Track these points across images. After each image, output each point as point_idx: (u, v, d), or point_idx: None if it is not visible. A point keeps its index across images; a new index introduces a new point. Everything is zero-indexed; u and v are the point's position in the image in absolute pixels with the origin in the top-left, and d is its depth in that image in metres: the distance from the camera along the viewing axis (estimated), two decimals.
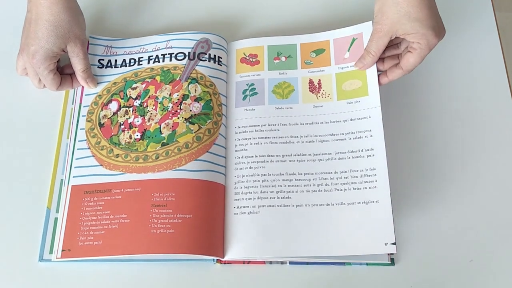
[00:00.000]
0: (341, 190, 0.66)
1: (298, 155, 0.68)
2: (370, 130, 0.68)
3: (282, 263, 0.65)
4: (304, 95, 0.72)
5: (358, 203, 0.64)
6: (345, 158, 0.67)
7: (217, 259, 0.65)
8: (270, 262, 0.65)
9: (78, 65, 0.72)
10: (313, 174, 0.67)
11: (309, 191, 0.66)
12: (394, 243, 0.61)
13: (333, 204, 0.65)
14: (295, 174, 0.67)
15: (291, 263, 0.65)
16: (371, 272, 0.65)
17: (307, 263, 0.65)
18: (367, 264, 0.65)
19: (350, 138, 0.68)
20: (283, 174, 0.67)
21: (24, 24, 0.71)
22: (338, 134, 0.69)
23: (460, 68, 0.78)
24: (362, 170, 0.66)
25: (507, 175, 0.71)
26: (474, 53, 0.79)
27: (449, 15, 0.82)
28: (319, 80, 0.73)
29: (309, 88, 0.72)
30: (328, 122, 0.70)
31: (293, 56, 0.75)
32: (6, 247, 0.66)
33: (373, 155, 0.66)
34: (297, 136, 0.69)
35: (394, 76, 0.71)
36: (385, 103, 0.73)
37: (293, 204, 0.65)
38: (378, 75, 0.71)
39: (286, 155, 0.68)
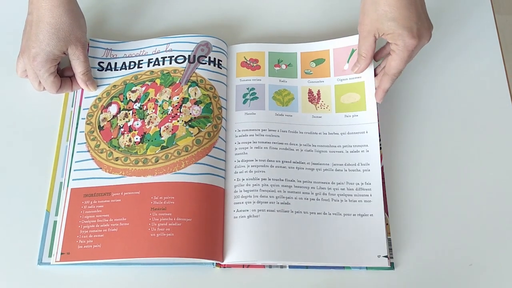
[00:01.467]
0: (338, 201, 0.67)
1: (297, 162, 0.69)
2: (367, 145, 0.69)
3: (281, 267, 0.65)
4: (303, 104, 0.73)
5: (353, 214, 0.66)
6: (342, 170, 0.68)
7: (216, 263, 0.65)
8: (270, 266, 0.65)
9: (78, 68, 0.71)
10: (311, 182, 0.68)
11: (307, 198, 0.67)
12: (386, 256, 0.63)
13: (330, 214, 0.66)
14: (294, 181, 0.67)
15: (290, 267, 0.65)
16: (371, 276, 0.65)
17: (307, 267, 0.65)
18: (366, 268, 0.65)
19: (347, 151, 0.69)
20: (282, 180, 0.67)
21: (25, 26, 0.71)
22: (335, 146, 0.70)
23: (459, 71, 0.78)
24: (358, 183, 0.67)
25: (506, 179, 0.71)
26: (474, 55, 0.79)
27: (449, 17, 0.82)
28: (318, 91, 0.73)
29: (309, 98, 0.73)
30: (326, 134, 0.71)
31: (293, 64, 0.75)
32: (5, 250, 0.65)
33: (369, 170, 0.68)
34: (296, 144, 0.70)
35: (383, 84, 0.70)
36: (383, 104, 0.73)
37: (292, 210, 0.66)
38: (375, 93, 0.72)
39: (286, 162, 0.68)
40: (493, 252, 0.67)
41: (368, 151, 0.69)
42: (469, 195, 0.70)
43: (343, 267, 0.65)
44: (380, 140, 0.72)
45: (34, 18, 0.68)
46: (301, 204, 0.66)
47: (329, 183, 0.67)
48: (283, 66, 0.75)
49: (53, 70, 0.70)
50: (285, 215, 0.65)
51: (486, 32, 0.81)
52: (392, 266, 0.65)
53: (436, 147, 0.73)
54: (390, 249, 0.66)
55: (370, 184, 0.67)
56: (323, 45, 0.76)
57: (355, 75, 0.73)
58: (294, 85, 0.74)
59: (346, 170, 0.68)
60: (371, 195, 0.66)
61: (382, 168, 0.69)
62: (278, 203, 0.66)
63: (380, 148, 0.71)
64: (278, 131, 0.71)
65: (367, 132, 0.70)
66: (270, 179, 0.67)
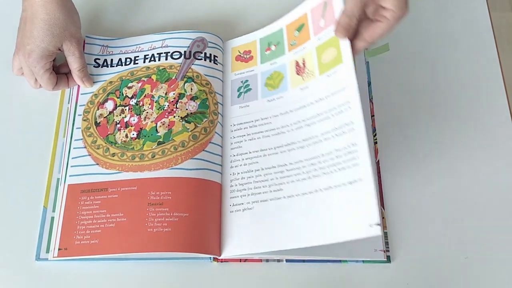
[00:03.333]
0: (328, 173, 0.63)
1: (289, 144, 0.67)
2: (349, 102, 0.65)
3: (278, 261, 0.65)
4: (292, 79, 0.72)
5: (343, 184, 0.61)
6: (330, 138, 0.65)
7: (213, 258, 0.65)
8: (267, 260, 0.65)
9: (74, 64, 0.72)
10: (302, 161, 0.65)
11: (299, 179, 0.64)
12: (379, 224, 0.56)
13: (321, 190, 0.62)
14: (286, 165, 0.66)
15: (287, 261, 0.65)
16: (367, 270, 0.65)
17: (304, 261, 0.65)
18: (363, 261, 0.65)
19: (333, 115, 0.65)
20: (275, 167, 0.67)
21: (20, 23, 0.71)
22: (322, 114, 0.67)
23: (455, 67, 0.78)
24: (345, 147, 0.63)
25: (501, 174, 0.71)
26: (470, 52, 0.80)
27: (444, 15, 0.83)
28: (303, 60, 0.72)
29: (296, 70, 0.72)
30: (313, 103, 0.68)
31: (281, 42, 0.75)
32: (2, 246, 0.65)
33: (353, 129, 0.63)
34: (288, 125, 0.68)
35: (359, 47, 0.66)
36: (380, 102, 0.73)
37: (285, 195, 0.64)
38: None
39: (278, 147, 0.68)
40: (488, 245, 0.67)
41: (350, 107, 0.64)
42: (464, 189, 0.70)
43: (340, 261, 0.65)
44: (376, 136, 0.72)
45: (28, 14, 0.68)
46: (293, 187, 0.64)
47: (318, 156, 0.64)
48: (273, 47, 0.75)
49: (48, 67, 0.70)
50: (278, 202, 0.64)
51: (481, 29, 0.81)
52: (388, 259, 0.65)
53: (431, 143, 0.73)
54: (386, 243, 0.66)
55: (356, 145, 0.61)
56: (302, 10, 0.75)
57: (330, 30, 0.69)
58: (283, 63, 0.74)
59: (333, 137, 0.64)
60: (358, 157, 0.61)
61: (377, 161, 0.69)
62: (271, 191, 0.65)
63: (376, 143, 0.72)
64: (270, 117, 0.70)
65: (347, 87, 0.65)
66: (263, 169, 0.67)
